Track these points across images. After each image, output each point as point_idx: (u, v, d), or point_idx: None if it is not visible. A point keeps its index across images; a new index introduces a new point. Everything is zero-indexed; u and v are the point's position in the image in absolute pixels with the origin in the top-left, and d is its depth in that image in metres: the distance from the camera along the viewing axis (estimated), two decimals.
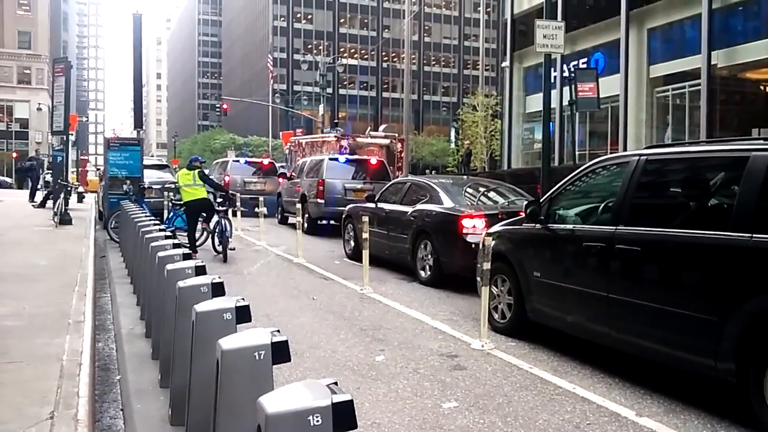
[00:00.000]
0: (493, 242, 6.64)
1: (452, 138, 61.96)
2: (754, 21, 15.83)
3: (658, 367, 5.18)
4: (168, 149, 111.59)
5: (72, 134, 23.34)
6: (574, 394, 5.05)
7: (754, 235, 4.29)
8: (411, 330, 7.06)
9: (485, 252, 6.43)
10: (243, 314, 3.73)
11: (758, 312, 4.21)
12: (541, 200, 6.70)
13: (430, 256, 9.81)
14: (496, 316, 7.00)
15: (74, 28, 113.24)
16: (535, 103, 22.26)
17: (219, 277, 4.44)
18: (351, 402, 2.25)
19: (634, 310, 5.16)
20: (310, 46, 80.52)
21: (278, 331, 3.06)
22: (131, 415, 4.33)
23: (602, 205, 6.00)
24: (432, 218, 9.96)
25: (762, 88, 16.84)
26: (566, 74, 20.23)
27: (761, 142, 4.82)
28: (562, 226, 6.25)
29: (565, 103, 18.04)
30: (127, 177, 15.20)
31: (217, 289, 4.32)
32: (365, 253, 9.44)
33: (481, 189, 11.35)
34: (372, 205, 11.97)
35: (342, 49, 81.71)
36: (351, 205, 13.50)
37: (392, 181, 13.69)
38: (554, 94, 19.59)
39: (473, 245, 8.64)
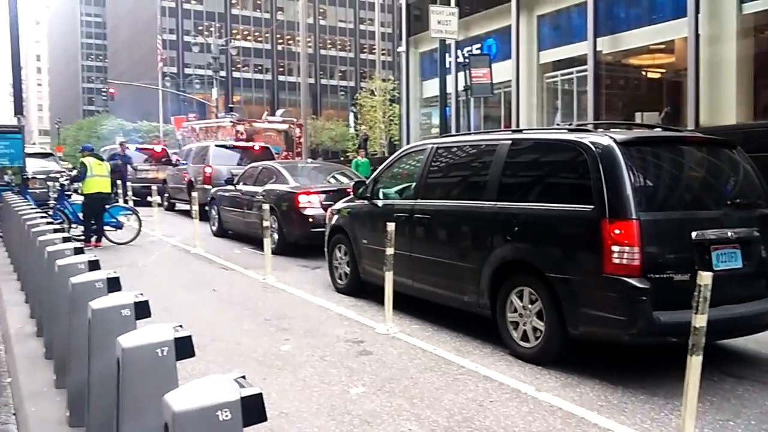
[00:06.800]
0: (335, 217, 8.26)
1: (351, 122, 61.97)
2: (635, 9, 16.66)
3: None
4: (51, 136, 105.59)
5: None
6: (476, 372, 5.21)
7: (497, 203, 5.86)
8: (316, 318, 7.06)
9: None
10: (142, 310, 3.61)
11: (500, 258, 5.72)
12: (367, 181, 8.14)
13: (275, 228, 11.25)
14: (338, 280, 8.35)
15: None
16: (432, 88, 22.52)
17: (114, 272, 4.27)
18: (260, 395, 2.23)
19: (427, 264, 6.65)
20: (200, 28, 78.12)
21: (181, 326, 2.98)
22: (25, 419, 4.10)
23: (412, 184, 7.29)
24: (275, 195, 11.62)
25: (643, 73, 17.79)
26: (460, 60, 20.59)
27: (509, 133, 6.47)
28: (382, 201, 7.64)
29: (461, 88, 18.37)
30: (8, 167, 14.23)
31: (113, 285, 4.15)
32: (266, 241, 9.33)
33: (325, 171, 13.41)
34: (231, 187, 13.51)
35: (234, 31, 79.64)
36: (213, 189, 14.96)
37: (248, 166, 14.50)
38: (449, 79, 19.95)
39: (309, 218, 10.70)
